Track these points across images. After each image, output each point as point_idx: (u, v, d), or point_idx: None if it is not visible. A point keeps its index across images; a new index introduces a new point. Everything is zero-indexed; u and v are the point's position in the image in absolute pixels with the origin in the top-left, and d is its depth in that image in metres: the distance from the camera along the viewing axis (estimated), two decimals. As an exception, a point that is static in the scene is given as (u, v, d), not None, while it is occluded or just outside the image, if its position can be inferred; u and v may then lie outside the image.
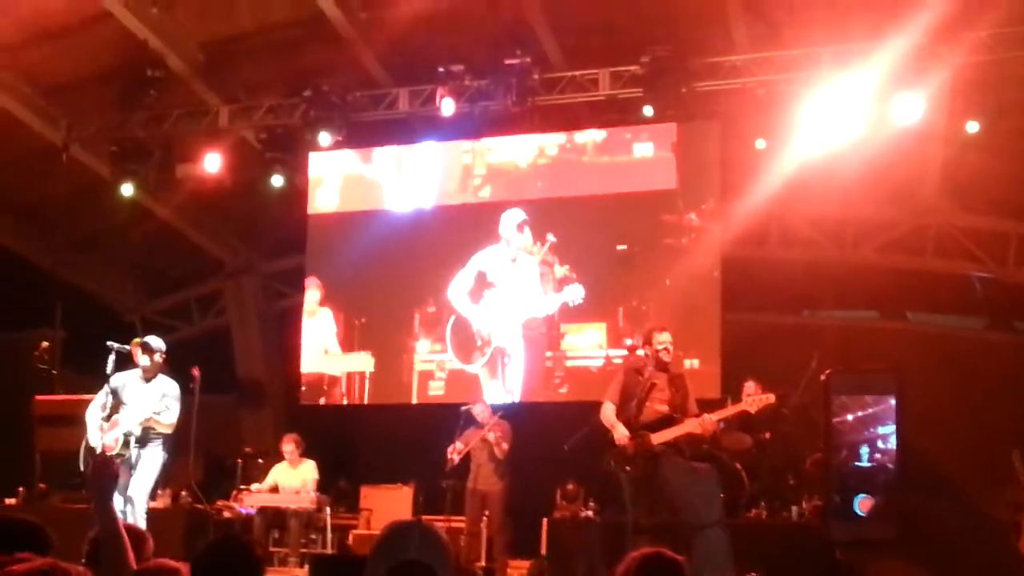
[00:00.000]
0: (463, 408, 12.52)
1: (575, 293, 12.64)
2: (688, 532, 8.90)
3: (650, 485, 9.16)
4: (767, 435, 12.36)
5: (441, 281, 13.37)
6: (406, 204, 14.20)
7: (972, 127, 12.16)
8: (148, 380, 10.09)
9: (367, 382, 13.56)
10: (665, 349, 9.41)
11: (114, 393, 9.96)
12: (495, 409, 12.63)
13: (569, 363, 12.78)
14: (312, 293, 14.10)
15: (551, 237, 12.91)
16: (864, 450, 1.50)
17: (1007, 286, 15.62)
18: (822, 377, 1.89)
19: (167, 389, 10.09)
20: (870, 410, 1.52)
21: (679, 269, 12.37)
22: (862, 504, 1.45)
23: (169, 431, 10.09)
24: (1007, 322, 16.32)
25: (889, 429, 1.45)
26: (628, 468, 9.14)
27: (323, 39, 14.20)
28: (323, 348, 13.81)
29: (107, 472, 4.92)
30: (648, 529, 8.97)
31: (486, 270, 13.25)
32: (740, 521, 11.52)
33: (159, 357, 10.16)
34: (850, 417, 1.47)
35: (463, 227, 13.66)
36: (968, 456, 14.63)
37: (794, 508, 11.53)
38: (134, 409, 9.92)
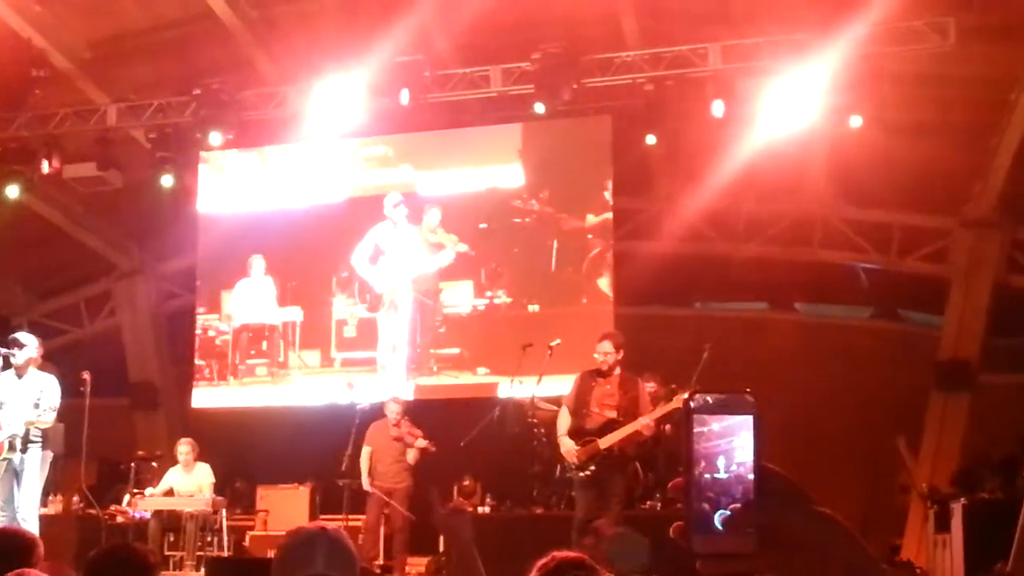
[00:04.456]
0: (358, 407, 12.56)
1: (447, 256, 15.09)
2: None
3: (599, 486, 10.12)
4: (667, 427, 12.51)
5: (350, 253, 15.57)
6: (304, 201, 15.95)
7: (855, 121, 12.39)
8: (21, 377, 9.76)
9: (298, 329, 15.88)
10: (603, 361, 10.26)
11: None
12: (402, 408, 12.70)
13: (446, 311, 15.17)
14: (259, 264, 15.87)
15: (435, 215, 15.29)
16: (720, 461, 1.54)
17: (891, 275, 15.98)
18: (682, 397, 1.99)
19: (43, 384, 9.76)
20: (726, 423, 1.57)
21: (524, 241, 14.94)
22: (721, 518, 1.49)
23: (49, 426, 9.77)
24: (891, 311, 16.70)
25: (746, 441, 1.49)
26: (581, 473, 10.08)
27: (213, 37, 14.08)
28: (265, 306, 15.98)
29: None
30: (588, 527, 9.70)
31: (378, 241, 15.38)
32: (636, 513, 11.68)
33: (29, 352, 9.81)
34: (705, 429, 1.51)
35: (361, 213, 15.60)
36: (856, 444, 14.97)
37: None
38: (12, 409, 9.61)
